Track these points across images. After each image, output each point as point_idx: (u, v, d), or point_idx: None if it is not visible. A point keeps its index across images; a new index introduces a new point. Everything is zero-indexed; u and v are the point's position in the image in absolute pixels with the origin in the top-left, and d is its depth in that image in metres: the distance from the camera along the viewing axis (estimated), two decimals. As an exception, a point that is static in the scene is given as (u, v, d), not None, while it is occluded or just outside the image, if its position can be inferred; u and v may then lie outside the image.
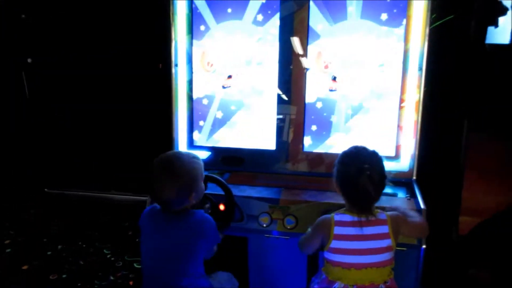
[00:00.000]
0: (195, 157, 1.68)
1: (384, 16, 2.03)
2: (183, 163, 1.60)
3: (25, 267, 2.90)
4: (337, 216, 1.59)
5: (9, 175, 3.94)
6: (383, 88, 2.09)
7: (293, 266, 2.05)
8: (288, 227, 1.97)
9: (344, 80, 2.12)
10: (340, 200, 1.66)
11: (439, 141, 2.36)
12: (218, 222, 1.74)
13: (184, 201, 1.61)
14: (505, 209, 2.27)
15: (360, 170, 1.51)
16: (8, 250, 3.12)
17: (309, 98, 2.16)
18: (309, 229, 1.71)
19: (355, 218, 1.56)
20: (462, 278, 2.30)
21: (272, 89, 2.19)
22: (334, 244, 1.56)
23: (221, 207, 1.95)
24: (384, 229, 1.56)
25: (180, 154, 1.67)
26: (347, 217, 1.57)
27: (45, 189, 3.97)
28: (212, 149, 2.31)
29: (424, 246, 1.83)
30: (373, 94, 2.10)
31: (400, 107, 2.07)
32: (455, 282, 2.26)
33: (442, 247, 2.16)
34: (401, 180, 2.09)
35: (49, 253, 3.07)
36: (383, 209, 1.67)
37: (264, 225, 2.00)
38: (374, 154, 1.59)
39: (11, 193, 3.93)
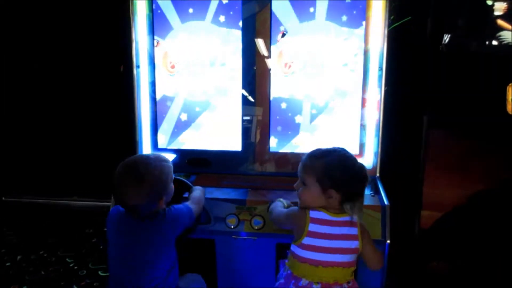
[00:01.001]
0: (163, 160, 1.62)
1: (344, 18, 2.07)
2: (150, 166, 1.55)
3: (-19, 280, 2.77)
4: (312, 213, 1.59)
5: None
6: (346, 87, 2.13)
7: (262, 267, 2.05)
8: (256, 228, 1.97)
9: (308, 80, 2.14)
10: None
11: (400, 139, 2.43)
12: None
13: (153, 207, 1.57)
14: (465, 203, 2.36)
15: (353, 165, 1.59)
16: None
17: (274, 98, 2.17)
18: (280, 206, 1.76)
19: (330, 217, 1.58)
20: (423, 271, 2.37)
21: (236, 90, 2.19)
22: (306, 240, 1.57)
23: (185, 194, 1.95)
24: (354, 230, 1.59)
25: (146, 158, 1.61)
26: (323, 215, 1.58)
27: (2, 198, 3.80)
28: (178, 151, 2.28)
29: (388, 242, 1.87)
30: (337, 93, 2.14)
31: (363, 106, 2.12)
32: (417, 275, 2.33)
33: (405, 241, 2.22)
34: (365, 178, 2.14)
35: (8, 264, 2.94)
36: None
37: (232, 227, 1.99)
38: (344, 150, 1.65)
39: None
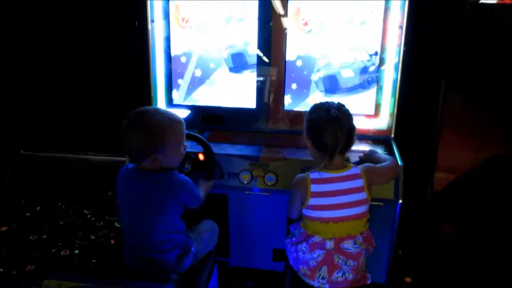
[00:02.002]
0: (172, 119, 1.54)
1: (366, -29, 1.99)
2: (152, 118, 1.50)
3: (3, 229, 2.88)
4: (312, 174, 1.62)
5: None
6: (364, 46, 2.08)
7: (274, 222, 2.09)
8: (269, 184, 2.00)
9: (324, 38, 2.10)
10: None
11: (418, 100, 2.40)
12: (201, 173, 1.74)
13: (143, 160, 1.52)
14: (478, 166, 2.35)
15: (327, 112, 1.55)
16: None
17: (289, 56, 2.14)
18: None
19: (330, 175, 1.59)
20: (433, 232, 2.40)
21: (252, 47, 2.15)
22: (312, 201, 1.60)
23: (201, 156, 1.93)
24: (359, 182, 1.60)
25: (154, 110, 1.57)
26: (323, 174, 1.60)
27: (21, 151, 3.89)
28: (192, 108, 2.29)
29: (400, 201, 1.89)
30: (354, 52, 2.09)
31: (380, 66, 2.07)
32: (428, 236, 2.36)
33: (417, 202, 2.23)
34: (379, 138, 2.13)
35: (27, 214, 3.05)
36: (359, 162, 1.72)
37: (245, 182, 2.02)
38: (341, 105, 1.62)
39: None
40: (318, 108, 1.61)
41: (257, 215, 2.11)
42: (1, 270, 2.47)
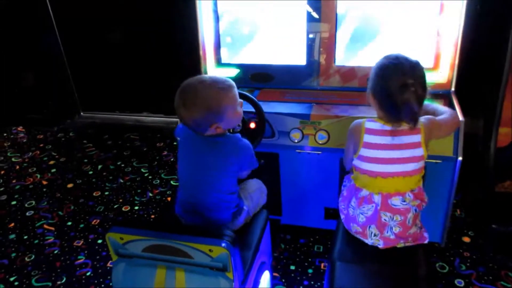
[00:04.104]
0: (220, 86, 1.51)
1: None
2: (204, 91, 1.48)
3: (70, 185, 3.09)
4: (368, 123, 1.54)
5: (47, 99, 4.06)
6: (423, -8, 1.93)
7: (325, 181, 2.08)
8: (320, 142, 1.97)
9: (379, -14, 1.96)
10: (373, 114, 1.59)
11: (481, 50, 2.21)
12: (248, 138, 1.74)
13: (204, 130, 1.54)
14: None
15: (403, 85, 1.41)
16: (53, 170, 3.30)
17: (341, 8, 2.03)
18: None
19: (386, 127, 1.51)
20: (494, 190, 2.28)
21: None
22: (363, 152, 1.54)
23: (252, 125, 1.94)
24: (417, 138, 1.50)
25: (200, 82, 1.52)
26: (378, 125, 1.52)
27: (81, 113, 4.10)
28: (241, 66, 2.26)
29: (460, 158, 1.80)
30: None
31: (440, 12, 1.92)
32: (489, 195, 2.25)
33: (479, 159, 2.12)
34: (438, 92, 2.00)
35: (90, 172, 3.24)
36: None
37: (296, 141, 2.00)
38: (416, 65, 1.47)
39: (49, 117, 4.07)
40: (392, 75, 1.45)
41: (308, 174, 2.10)
42: (70, 223, 2.68)
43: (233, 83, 1.56)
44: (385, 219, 1.56)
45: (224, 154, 1.58)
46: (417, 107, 1.44)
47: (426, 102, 1.70)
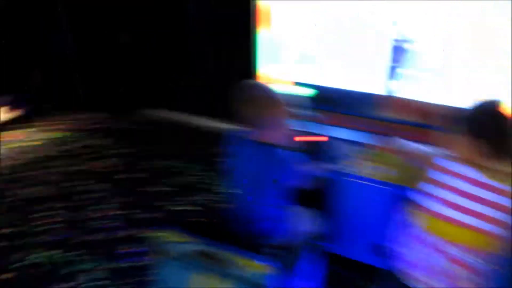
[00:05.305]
0: (274, 99, 1.62)
1: None
2: (254, 93, 1.61)
3: (122, 176, 3.23)
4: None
5: (111, 96, 4.28)
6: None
7: (378, 215, 2.01)
8: (378, 175, 1.92)
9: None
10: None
11: None
12: (310, 154, 1.75)
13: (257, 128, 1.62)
14: None
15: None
16: (113, 159, 3.48)
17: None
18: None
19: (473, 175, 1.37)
20: None
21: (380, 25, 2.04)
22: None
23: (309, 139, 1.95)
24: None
25: (259, 86, 1.67)
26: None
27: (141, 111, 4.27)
28: (305, 86, 2.26)
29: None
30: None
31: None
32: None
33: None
34: None
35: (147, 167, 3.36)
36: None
37: (352, 169, 1.96)
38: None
39: (111, 113, 4.29)
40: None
41: (362, 203, 2.04)
42: (122, 211, 2.79)
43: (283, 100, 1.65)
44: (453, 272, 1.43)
45: (271, 165, 1.63)
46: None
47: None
